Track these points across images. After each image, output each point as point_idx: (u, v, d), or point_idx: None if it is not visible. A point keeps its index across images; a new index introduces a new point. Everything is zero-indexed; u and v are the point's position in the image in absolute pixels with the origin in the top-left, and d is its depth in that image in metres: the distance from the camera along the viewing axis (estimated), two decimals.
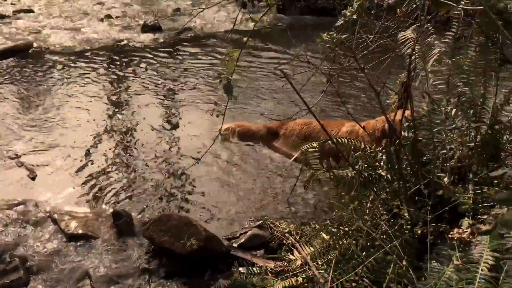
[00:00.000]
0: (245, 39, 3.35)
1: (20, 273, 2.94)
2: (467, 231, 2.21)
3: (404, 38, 2.93)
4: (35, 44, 7.19)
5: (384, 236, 2.47)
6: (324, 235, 2.86)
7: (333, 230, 2.81)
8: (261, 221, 3.42)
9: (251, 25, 3.07)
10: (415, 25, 3.03)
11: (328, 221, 2.99)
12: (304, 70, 5.74)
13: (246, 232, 3.34)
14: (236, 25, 4.68)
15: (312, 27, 8.48)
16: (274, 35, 7.74)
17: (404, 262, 2.29)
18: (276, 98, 5.64)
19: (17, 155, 4.35)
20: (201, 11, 4.72)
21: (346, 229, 2.77)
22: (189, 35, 8.06)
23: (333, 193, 2.83)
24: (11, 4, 10.08)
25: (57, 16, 9.23)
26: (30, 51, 6.94)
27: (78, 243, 3.26)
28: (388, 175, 2.84)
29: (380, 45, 3.47)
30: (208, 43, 7.73)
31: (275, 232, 3.28)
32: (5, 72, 6.27)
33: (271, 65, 6.44)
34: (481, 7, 2.36)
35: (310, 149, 2.83)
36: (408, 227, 2.55)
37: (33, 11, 9.50)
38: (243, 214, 3.61)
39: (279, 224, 3.36)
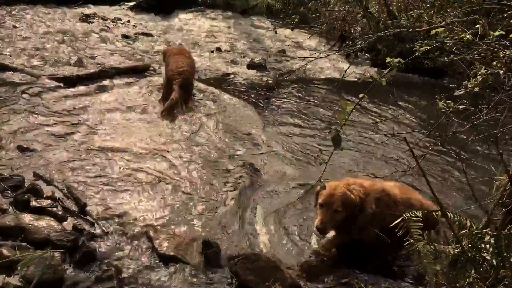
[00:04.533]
0: (361, 95, 3.41)
1: (114, 282, 3.09)
2: None
3: None
4: (154, 66, 7.76)
5: None
6: None
7: None
8: (347, 279, 3.36)
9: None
10: None
11: None
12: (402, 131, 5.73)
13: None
14: (344, 77, 4.81)
15: (416, 87, 8.37)
16: (377, 88, 7.71)
17: None
18: (366, 152, 5.63)
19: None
20: (312, 60, 4.91)
21: None
22: (292, 77, 8.28)
23: (431, 268, 2.73)
24: (133, 26, 11.00)
25: (173, 42, 9.91)
26: (146, 72, 7.49)
27: (168, 264, 3.39)
28: (494, 260, 2.69)
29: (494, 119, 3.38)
30: (309, 88, 7.90)
31: None
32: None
33: (370, 119, 6.43)
34: None
35: (413, 218, 2.77)
36: None
37: (152, 35, 10.29)
38: (328, 269, 3.56)
39: (366, 286, 3.29)
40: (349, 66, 4.89)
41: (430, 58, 6.03)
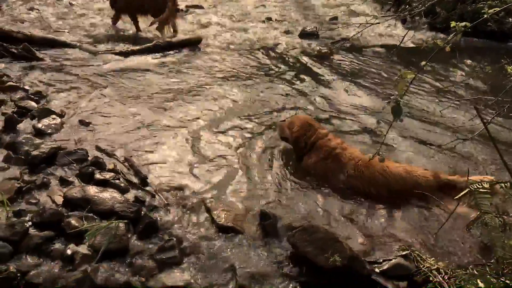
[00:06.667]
0: (422, 63, 3.26)
1: (176, 252, 3.18)
2: None
3: None
4: (205, 39, 7.78)
5: None
6: (480, 282, 2.66)
7: (491, 279, 2.61)
8: (407, 252, 3.29)
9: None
10: None
11: (487, 269, 2.78)
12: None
13: (390, 260, 3.23)
14: (402, 43, 4.60)
15: (480, 51, 7.93)
16: (438, 55, 7.37)
17: None
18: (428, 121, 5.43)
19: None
20: (368, 27, 4.72)
21: (508, 281, 2.55)
22: (346, 45, 8.06)
23: (498, 240, 2.62)
24: None
25: (223, 14, 9.86)
26: (199, 45, 7.52)
27: (227, 235, 3.44)
28: None
29: None
30: (364, 55, 7.67)
31: (421, 266, 3.14)
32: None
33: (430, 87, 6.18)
34: None
35: (480, 190, 2.65)
36: None
37: (202, 7, 10.28)
38: (388, 241, 3.50)
39: (427, 258, 3.21)
40: (407, 32, 4.69)
41: (496, 21, 5.66)
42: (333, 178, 4.21)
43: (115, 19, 8.25)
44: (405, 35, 4.08)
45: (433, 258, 3.20)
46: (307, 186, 4.19)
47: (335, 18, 10.00)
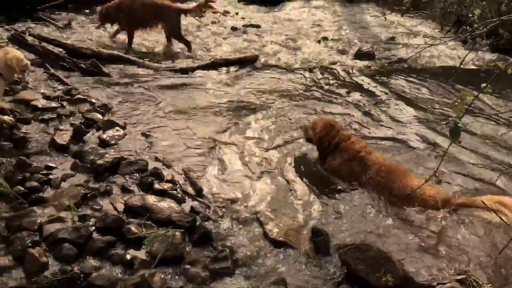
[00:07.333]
0: (483, 85, 3.21)
1: (229, 262, 3.26)
2: None
3: None
4: (261, 57, 7.96)
5: None
6: None
7: None
8: (463, 276, 3.20)
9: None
10: None
11: None
12: None
13: (444, 283, 3.16)
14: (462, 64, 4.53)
15: None
16: (500, 77, 7.16)
17: None
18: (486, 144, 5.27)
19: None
20: (427, 47, 4.68)
21: None
22: (403, 66, 7.98)
23: None
24: (241, 18, 11.31)
25: (280, 33, 10.04)
26: (256, 63, 7.70)
27: (279, 249, 3.49)
28: None
29: None
30: (422, 76, 7.55)
31: None
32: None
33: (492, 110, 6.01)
34: None
35: None
36: None
37: (259, 26, 10.52)
38: (442, 264, 3.42)
39: (483, 284, 3.12)
40: (468, 53, 4.63)
41: None
42: (356, 180, 4.42)
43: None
44: (465, 56, 4.05)
45: (490, 285, 3.10)
46: (358, 203, 4.17)
47: (392, 38, 9.95)
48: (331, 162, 4.63)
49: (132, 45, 8.36)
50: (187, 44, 8.37)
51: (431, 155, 4.98)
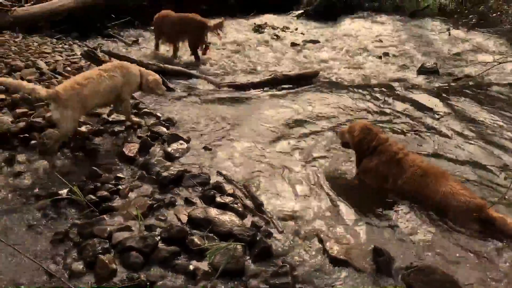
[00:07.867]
0: None
1: (289, 278, 3.26)
2: None
3: None
4: (321, 73, 7.97)
5: None
6: None
7: None
8: None
9: None
10: None
11: None
12: None
13: None
14: None
15: None
16: None
17: None
18: None
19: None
20: (497, 65, 4.52)
21: None
22: (468, 83, 7.71)
23: None
24: (301, 34, 11.40)
25: (340, 48, 10.02)
26: (315, 79, 7.73)
27: (339, 268, 3.46)
28: None
29: None
30: (489, 94, 7.25)
31: None
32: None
33: None
34: None
35: None
36: None
37: (319, 42, 10.55)
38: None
39: None
40: None
41: None
42: (392, 181, 4.45)
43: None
44: None
45: None
46: (420, 224, 4.06)
47: (458, 54, 9.65)
48: (367, 164, 4.65)
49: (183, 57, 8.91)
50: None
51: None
